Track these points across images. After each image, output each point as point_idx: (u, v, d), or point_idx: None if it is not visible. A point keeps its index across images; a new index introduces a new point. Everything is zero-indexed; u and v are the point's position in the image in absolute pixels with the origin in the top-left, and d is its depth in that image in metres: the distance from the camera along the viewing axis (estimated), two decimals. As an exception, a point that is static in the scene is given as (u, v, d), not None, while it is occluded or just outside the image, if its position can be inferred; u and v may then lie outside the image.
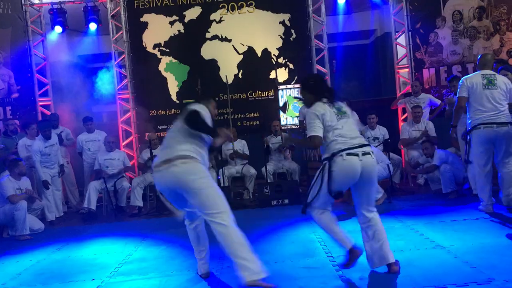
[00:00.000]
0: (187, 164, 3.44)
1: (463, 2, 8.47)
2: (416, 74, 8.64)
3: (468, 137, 5.17)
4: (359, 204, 3.60)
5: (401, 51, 8.88)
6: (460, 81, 5.28)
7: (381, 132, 7.63)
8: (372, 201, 3.60)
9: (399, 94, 8.60)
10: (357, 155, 3.38)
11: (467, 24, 8.48)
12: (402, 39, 8.85)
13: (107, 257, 4.82)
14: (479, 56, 5.43)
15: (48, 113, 8.61)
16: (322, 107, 3.48)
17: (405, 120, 8.38)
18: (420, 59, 8.64)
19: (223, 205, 3.44)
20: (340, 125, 3.45)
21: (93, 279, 4.09)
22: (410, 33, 8.66)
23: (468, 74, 8.27)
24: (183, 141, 3.56)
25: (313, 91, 3.61)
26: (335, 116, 3.47)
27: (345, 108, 3.58)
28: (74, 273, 4.31)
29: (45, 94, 8.89)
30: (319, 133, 3.44)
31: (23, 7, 8.65)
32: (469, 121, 5.16)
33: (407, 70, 8.79)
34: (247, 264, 3.30)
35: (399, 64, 8.90)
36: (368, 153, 3.42)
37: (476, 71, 5.36)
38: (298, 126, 8.12)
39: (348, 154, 3.37)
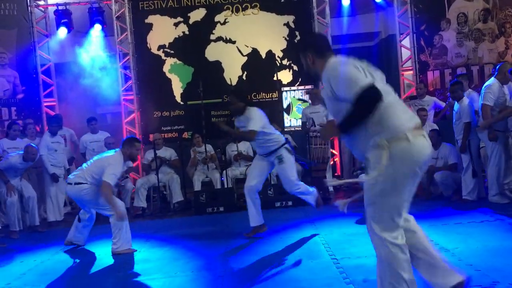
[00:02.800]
0: None
1: (468, 4, 8.45)
2: (421, 76, 8.62)
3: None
4: None
5: (405, 53, 8.86)
6: None
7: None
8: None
9: (404, 97, 8.58)
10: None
11: (472, 26, 8.45)
12: (406, 41, 8.83)
13: (111, 258, 4.82)
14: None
15: (53, 113, 8.64)
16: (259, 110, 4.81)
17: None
18: (425, 62, 8.62)
19: None
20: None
21: (98, 280, 4.10)
22: (414, 35, 8.65)
23: (472, 77, 8.37)
24: None
25: (244, 99, 5.00)
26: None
27: None
28: (78, 274, 4.33)
29: (50, 95, 8.92)
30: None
31: (29, 8, 8.69)
32: None
33: (411, 72, 8.77)
34: None
35: (404, 66, 8.88)
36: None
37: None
38: (301, 128, 8.12)
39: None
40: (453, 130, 6.34)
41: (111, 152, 5.09)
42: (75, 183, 4.90)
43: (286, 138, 5.21)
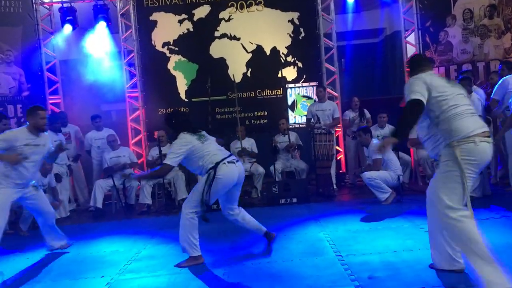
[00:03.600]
0: None
1: (474, 0, 8.40)
2: (426, 73, 8.56)
3: None
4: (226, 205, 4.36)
5: (410, 50, 8.82)
6: None
7: (390, 131, 7.60)
8: (236, 201, 4.40)
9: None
10: (233, 162, 4.18)
11: (477, 22, 8.40)
12: (411, 38, 8.79)
13: (116, 254, 4.85)
14: None
15: (58, 110, 8.67)
16: (187, 138, 4.14)
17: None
18: (430, 58, 8.57)
19: None
20: (207, 147, 4.17)
21: (102, 276, 4.12)
22: (419, 31, 8.61)
23: (478, 73, 8.34)
24: None
25: (175, 127, 4.27)
26: (199, 142, 4.17)
27: (203, 132, 4.31)
28: (84, 270, 4.35)
29: (55, 92, 8.95)
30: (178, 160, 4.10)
31: (34, 5, 8.70)
32: None
33: (416, 69, 8.71)
34: None
35: (409, 62, 8.83)
36: (237, 161, 4.25)
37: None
38: (305, 125, 8.12)
39: (229, 162, 4.14)
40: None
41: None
42: None
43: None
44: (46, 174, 6.43)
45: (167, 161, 4.11)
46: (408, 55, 8.80)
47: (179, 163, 4.19)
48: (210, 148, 4.22)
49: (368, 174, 6.32)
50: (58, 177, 6.93)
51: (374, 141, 6.69)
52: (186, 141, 4.15)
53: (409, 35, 8.81)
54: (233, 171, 4.16)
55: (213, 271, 4.01)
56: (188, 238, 4.14)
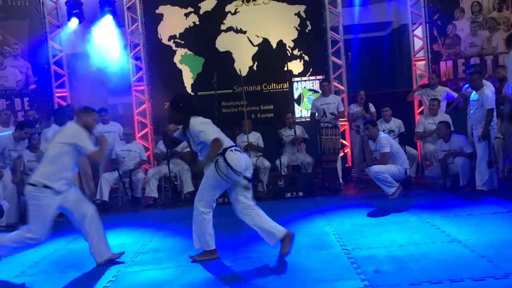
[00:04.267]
0: None
1: (483, -7, 8.32)
2: (433, 66, 8.52)
3: None
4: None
5: (418, 43, 8.76)
6: None
7: (396, 124, 7.57)
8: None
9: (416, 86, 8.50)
10: (240, 151, 4.04)
11: (486, 15, 8.32)
12: (419, 31, 8.73)
13: (122, 247, 4.86)
14: None
15: (65, 104, 8.70)
16: (202, 118, 4.06)
17: (421, 113, 8.28)
18: (438, 51, 8.52)
19: None
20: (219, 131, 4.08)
21: (109, 269, 4.14)
22: (427, 24, 8.54)
23: (486, 67, 8.26)
24: None
25: (184, 111, 4.12)
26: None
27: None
28: (91, 262, 4.36)
29: (61, 86, 8.97)
30: (221, 134, 4.00)
31: (40, -1, 8.73)
32: None
33: (424, 62, 8.68)
34: None
35: (416, 56, 8.78)
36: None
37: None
38: (310, 119, 8.09)
39: (236, 150, 3.99)
40: (467, 120, 6.26)
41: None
42: None
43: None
44: None
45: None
46: (416, 49, 8.74)
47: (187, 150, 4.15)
48: (220, 133, 4.09)
49: (375, 168, 6.29)
50: None
51: (381, 134, 6.65)
52: (203, 120, 4.08)
53: (416, 28, 8.74)
54: (241, 158, 3.98)
55: (219, 264, 4.02)
56: (202, 233, 4.04)
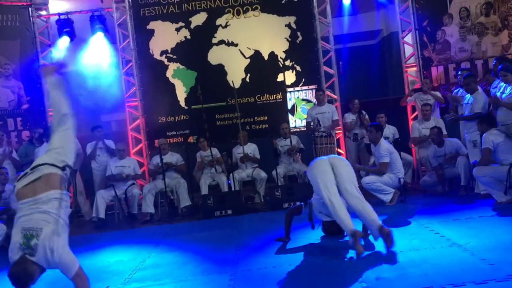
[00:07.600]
0: None
1: (470, -2, 8.42)
2: (425, 72, 8.58)
3: None
4: None
5: (408, 50, 8.83)
6: None
7: (390, 131, 7.58)
8: None
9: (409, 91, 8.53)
10: None
11: (474, 20, 8.41)
12: (409, 38, 8.80)
13: (120, 264, 4.82)
14: None
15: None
16: None
17: (414, 119, 8.31)
18: (428, 57, 8.59)
19: None
20: None
21: (108, 286, 4.09)
22: (417, 31, 8.62)
23: (476, 71, 8.32)
24: None
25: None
26: None
27: None
28: (89, 280, 4.30)
29: (54, 104, 8.92)
30: None
31: (31, 18, 8.73)
32: None
33: (415, 68, 8.73)
34: None
35: (407, 63, 8.85)
36: None
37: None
38: (305, 128, 8.10)
39: None
40: (460, 124, 6.28)
41: None
42: None
43: None
44: None
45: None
46: (406, 55, 8.81)
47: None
48: None
49: (367, 179, 6.23)
50: None
51: (384, 142, 6.52)
52: None
53: (406, 35, 8.82)
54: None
55: (218, 278, 3.98)
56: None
